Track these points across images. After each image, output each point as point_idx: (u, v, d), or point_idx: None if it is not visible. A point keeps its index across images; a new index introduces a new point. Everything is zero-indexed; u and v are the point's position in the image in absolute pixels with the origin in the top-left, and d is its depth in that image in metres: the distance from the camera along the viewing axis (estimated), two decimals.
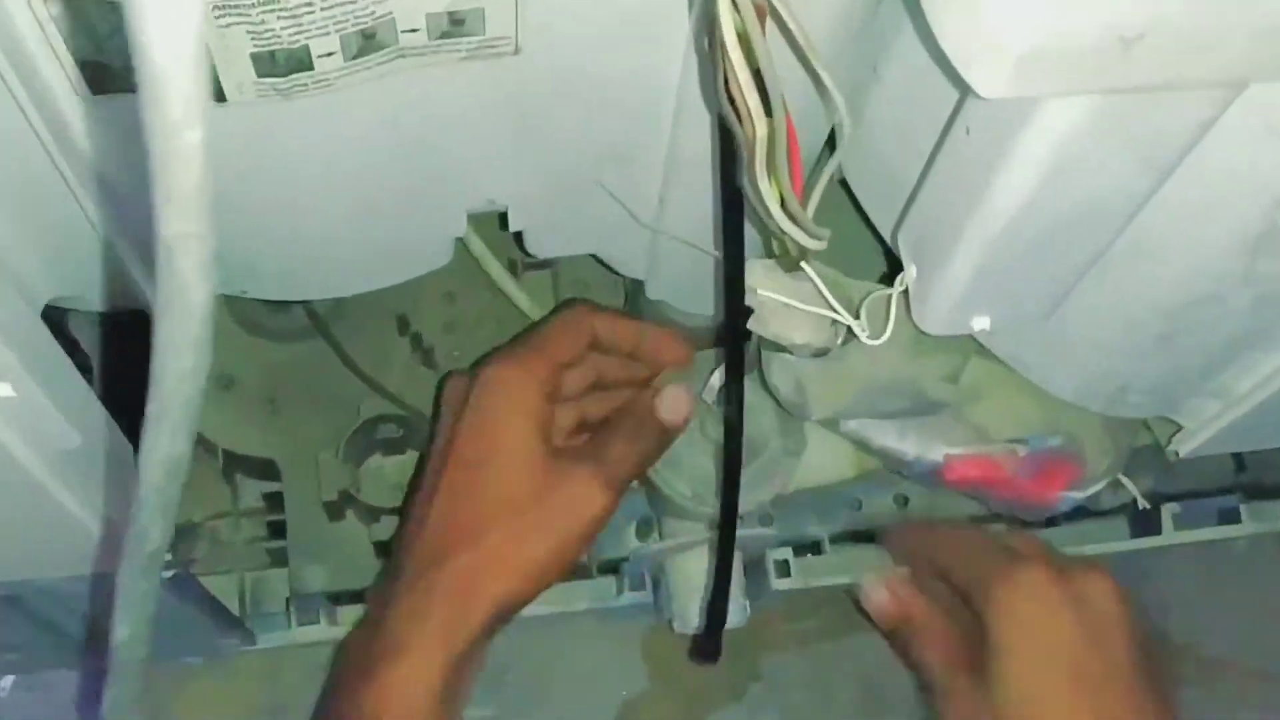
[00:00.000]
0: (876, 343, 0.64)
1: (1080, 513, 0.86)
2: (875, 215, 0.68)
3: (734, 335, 0.65)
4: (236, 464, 0.96)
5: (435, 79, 0.57)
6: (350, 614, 0.91)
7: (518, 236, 0.77)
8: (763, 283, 0.68)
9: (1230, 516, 0.94)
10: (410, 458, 0.93)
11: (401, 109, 0.59)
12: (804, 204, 0.57)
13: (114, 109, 0.54)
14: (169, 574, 0.71)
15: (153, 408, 0.42)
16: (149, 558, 0.50)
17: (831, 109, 0.54)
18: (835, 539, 0.93)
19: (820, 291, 0.66)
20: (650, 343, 0.79)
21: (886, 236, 0.68)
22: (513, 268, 0.94)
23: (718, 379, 0.78)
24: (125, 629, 0.54)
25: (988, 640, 0.69)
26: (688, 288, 0.79)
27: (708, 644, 0.79)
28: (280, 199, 0.66)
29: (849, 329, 0.69)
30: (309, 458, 0.94)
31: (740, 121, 0.52)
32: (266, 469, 0.95)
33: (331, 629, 0.90)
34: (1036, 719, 0.67)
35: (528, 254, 0.77)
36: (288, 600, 0.89)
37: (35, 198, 0.58)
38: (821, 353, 0.71)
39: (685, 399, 0.74)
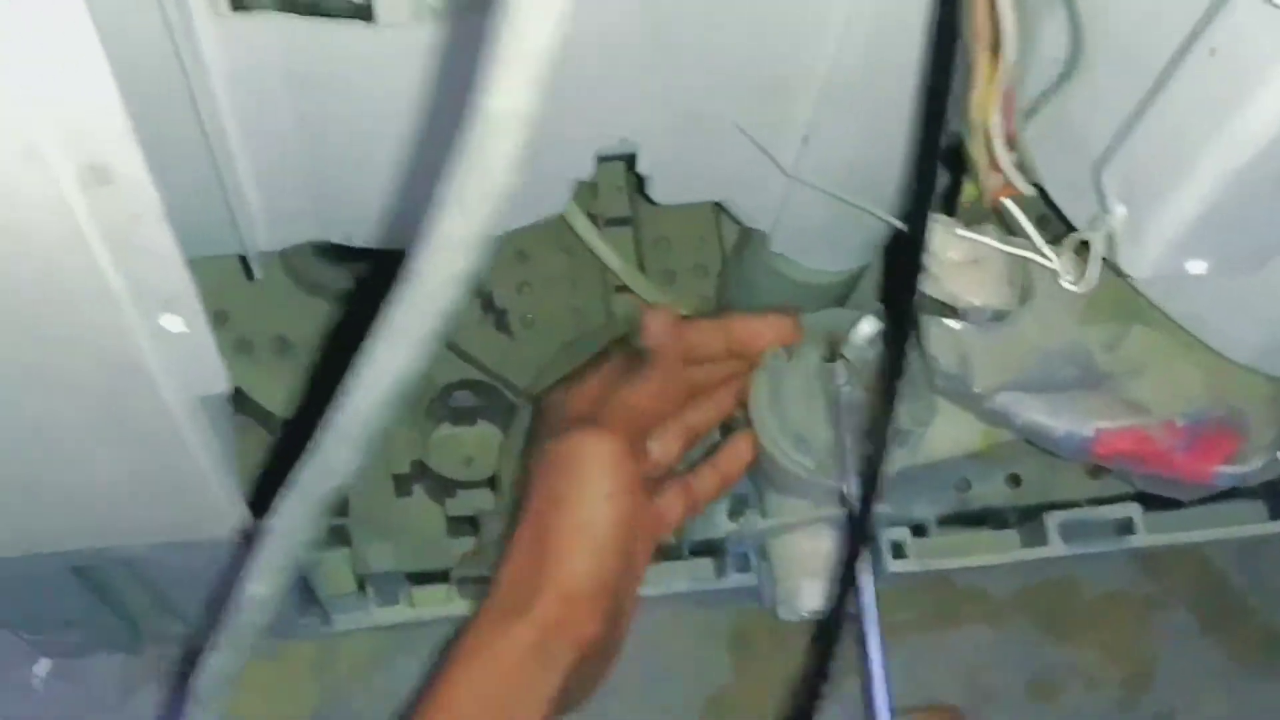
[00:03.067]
0: (1081, 290, 0.58)
1: (1218, 494, 0.81)
2: (1056, 162, 0.63)
3: (908, 291, 0.59)
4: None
5: None
6: (426, 596, 0.84)
7: (637, 182, 0.71)
8: (934, 239, 0.63)
9: None
10: (483, 428, 0.86)
11: None
12: None
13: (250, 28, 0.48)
14: None
15: (399, 315, 0.36)
16: (320, 500, 0.43)
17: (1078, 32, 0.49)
18: (941, 521, 0.88)
19: (1021, 236, 0.60)
20: (741, 333, 0.74)
21: (1056, 194, 0.62)
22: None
23: (863, 334, 0.72)
24: (262, 586, 0.47)
25: None
26: (816, 241, 0.74)
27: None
28: (404, 132, 0.59)
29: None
30: None
31: (986, 47, 0.47)
32: None
33: (410, 610, 0.83)
34: None
35: (648, 198, 0.71)
36: (363, 580, 0.82)
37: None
38: (999, 316, 0.66)
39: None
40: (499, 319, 0.88)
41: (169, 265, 0.42)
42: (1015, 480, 0.88)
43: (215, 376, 0.49)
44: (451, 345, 0.86)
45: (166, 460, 0.53)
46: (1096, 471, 0.88)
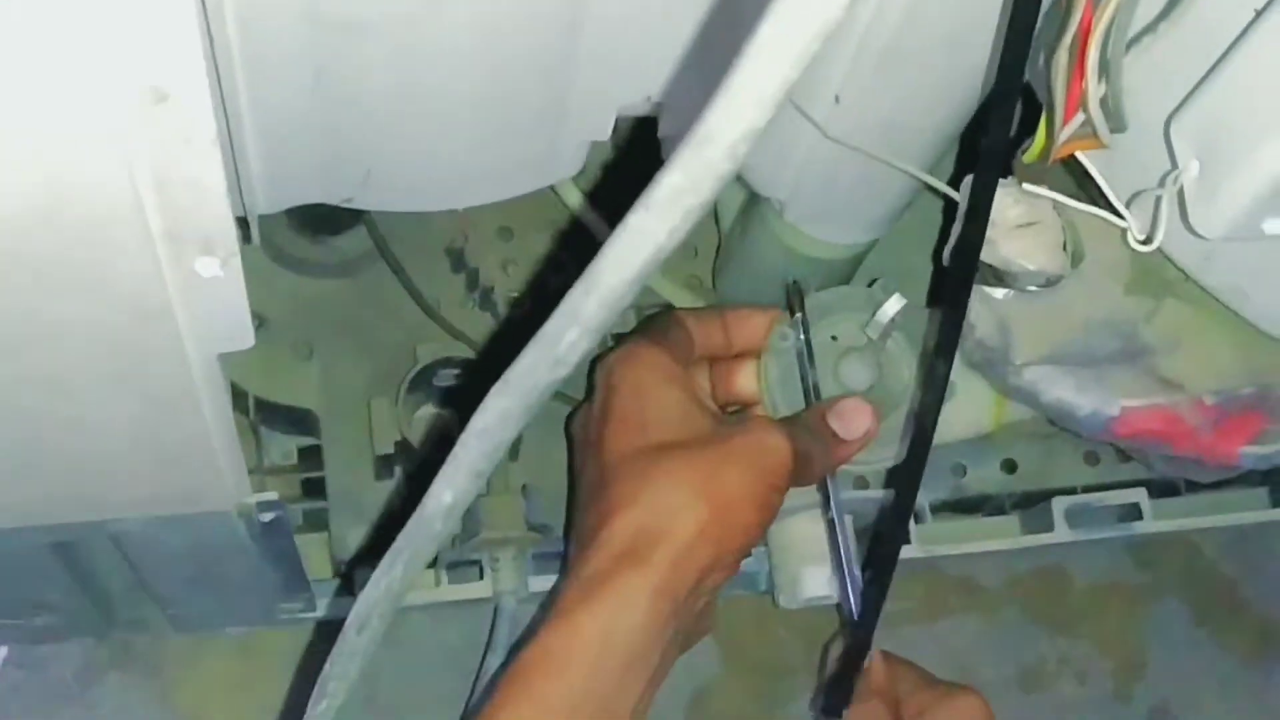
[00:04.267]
0: (1149, 248, 0.56)
1: (1219, 482, 0.80)
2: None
3: (970, 254, 0.57)
4: (267, 414, 0.85)
5: None
6: None
7: (651, 149, 0.68)
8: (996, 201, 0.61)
9: None
10: (467, 409, 0.83)
11: None
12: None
13: None
14: (270, 516, 0.60)
15: (672, 174, 0.35)
16: (538, 391, 0.41)
17: None
18: (936, 508, 0.86)
19: (1094, 188, 0.57)
20: (737, 324, 0.74)
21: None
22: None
23: (888, 313, 0.70)
24: (449, 493, 0.44)
25: None
26: (834, 211, 0.71)
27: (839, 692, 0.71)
28: (420, 85, 0.56)
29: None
30: (352, 407, 0.83)
31: None
32: (300, 420, 0.85)
33: None
34: None
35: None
36: (350, 563, 0.78)
37: None
38: (1050, 283, 0.64)
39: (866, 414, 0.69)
40: (484, 297, 0.85)
41: (213, 200, 0.38)
42: (1011, 466, 0.86)
43: (242, 330, 0.46)
44: (436, 321, 0.83)
45: (179, 423, 0.49)
46: (1093, 458, 0.86)
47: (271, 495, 0.60)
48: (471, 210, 0.85)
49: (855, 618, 0.70)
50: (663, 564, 0.61)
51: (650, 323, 0.74)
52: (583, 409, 0.73)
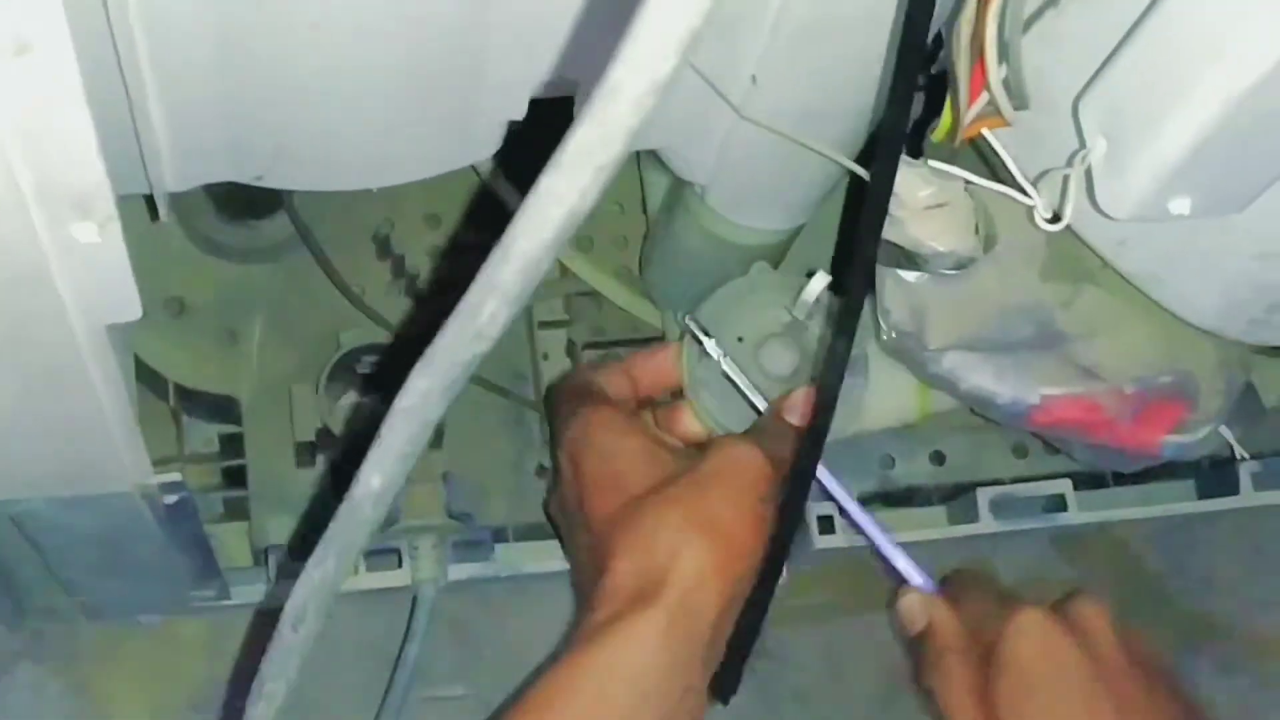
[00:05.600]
0: (1057, 227, 0.56)
1: (1146, 474, 0.79)
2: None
3: (872, 234, 0.56)
4: (189, 401, 0.84)
5: None
6: None
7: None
8: (898, 182, 0.60)
9: None
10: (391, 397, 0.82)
11: None
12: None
13: None
14: (174, 498, 0.59)
15: (577, 137, 0.35)
16: (462, 368, 0.40)
17: None
18: (865, 500, 0.85)
19: (1001, 167, 0.57)
20: (638, 369, 0.75)
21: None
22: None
23: (813, 292, 0.69)
24: (381, 476, 0.43)
25: (999, 673, 0.68)
26: (756, 196, 0.70)
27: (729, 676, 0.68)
28: (328, 57, 0.55)
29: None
30: (274, 394, 0.83)
31: None
32: (223, 407, 0.84)
33: None
34: None
35: None
36: (266, 551, 0.77)
37: None
38: (961, 265, 0.63)
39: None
40: (410, 284, 0.84)
41: (84, 158, 0.37)
42: (939, 458, 0.86)
43: (128, 300, 0.45)
44: (360, 308, 0.82)
45: (68, 398, 0.48)
46: (1021, 450, 0.86)
47: (175, 476, 0.58)
48: (398, 197, 0.84)
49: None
50: (672, 603, 0.61)
51: (574, 390, 0.74)
52: (555, 492, 0.73)
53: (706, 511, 0.63)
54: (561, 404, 0.73)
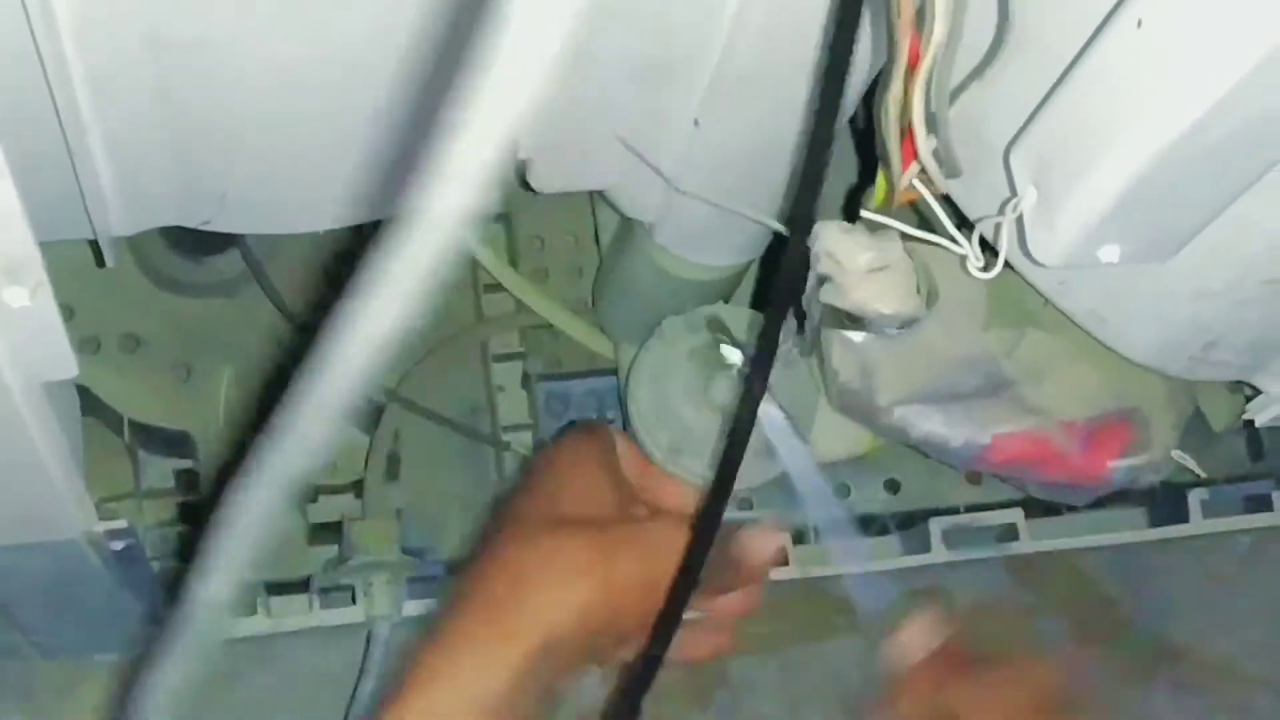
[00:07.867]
0: (989, 275, 0.56)
1: (1098, 501, 0.80)
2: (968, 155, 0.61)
3: (789, 295, 0.57)
4: (144, 437, 0.84)
5: None
6: (285, 606, 0.80)
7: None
8: (838, 247, 0.61)
9: (1260, 504, 0.88)
10: (346, 431, 0.82)
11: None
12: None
13: None
14: (121, 544, 0.59)
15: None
16: (291, 481, 0.40)
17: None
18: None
19: (935, 218, 0.57)
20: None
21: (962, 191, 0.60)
22: None
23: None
24: (220, 586, 0.44)
25: None
26: (702, 235, 0.71)
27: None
28: (267, 106, 0.56)
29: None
30: (230, 429, 0.82)
31: (910, 24, 0.45)
32: (178, 442, 0.84)
33: (268, 621, 0.79)
34: None
35: (527, 187, 0.67)
36: None
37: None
38: (906, 325, 0.64)
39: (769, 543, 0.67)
40: None
41: (12, 227, 0.38)
42: (894, 486, 0.87)
43: (62, 360, 0.45)
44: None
45: (9, 452, 0.49)
46: (976, 477, 0.87)
47: (121, 523, 0.59)
48: (351, 231, 0.84)
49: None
50: (533, 640, 0.59)
51: (593, 427, 0.73)
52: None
53: (608, 566, 0.62)
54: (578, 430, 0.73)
